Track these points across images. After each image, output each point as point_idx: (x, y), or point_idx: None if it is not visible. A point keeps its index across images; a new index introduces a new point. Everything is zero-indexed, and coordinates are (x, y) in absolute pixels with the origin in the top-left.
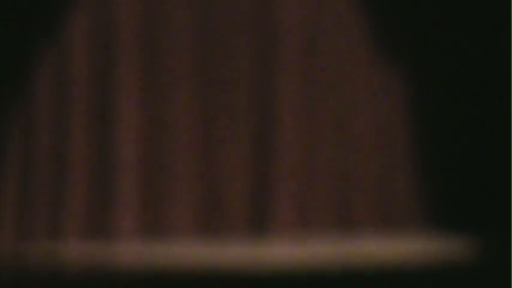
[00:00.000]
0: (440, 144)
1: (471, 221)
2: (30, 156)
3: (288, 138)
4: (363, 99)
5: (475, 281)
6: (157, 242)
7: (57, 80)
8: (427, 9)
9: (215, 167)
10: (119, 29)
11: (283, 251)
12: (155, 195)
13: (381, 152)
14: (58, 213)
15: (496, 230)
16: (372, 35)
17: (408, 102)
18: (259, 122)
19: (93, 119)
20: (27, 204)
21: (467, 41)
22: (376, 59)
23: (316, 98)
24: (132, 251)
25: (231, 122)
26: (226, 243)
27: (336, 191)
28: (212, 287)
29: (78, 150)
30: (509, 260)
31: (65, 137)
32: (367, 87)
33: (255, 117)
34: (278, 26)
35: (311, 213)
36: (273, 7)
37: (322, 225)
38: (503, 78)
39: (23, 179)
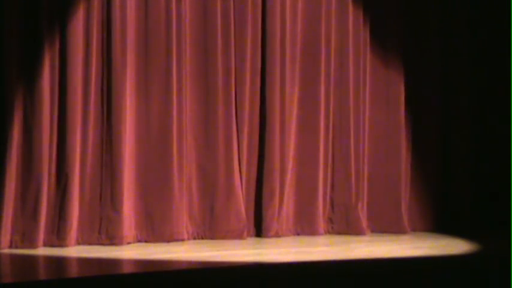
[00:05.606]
0: (441, 143)
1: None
2: (30, 156)
3: (287, 139)
4: (364, 100)
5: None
6: (157, 242)
7: (56, 78)
8: (428, 9)
9: (213, 166)
10: (118, 26)
11: (282, 251)
12: (155, 194)
13: (382, 152)
14: (58, 215)
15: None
16: (371, 35)
17: (410, 104)
18: (259, 123)
19: (93, 118)
20: (27, 205)
21: (469, 39)
22: (377, 59)
23: (316, 98)
24: (132, 252)
25: (228, 122)
26: (226, 243)
27: (336, 190)
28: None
29: (79, 150)
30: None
31: (65, 137)
32: (368, 89)
33: (254, 117)
34: (279, 26)
35: (311, 213)
36: (272, 9)
37: (322, 225)
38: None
39: (22, 180)
